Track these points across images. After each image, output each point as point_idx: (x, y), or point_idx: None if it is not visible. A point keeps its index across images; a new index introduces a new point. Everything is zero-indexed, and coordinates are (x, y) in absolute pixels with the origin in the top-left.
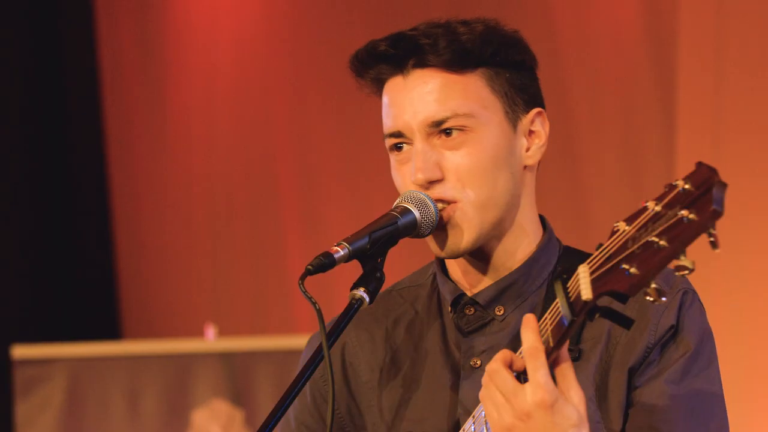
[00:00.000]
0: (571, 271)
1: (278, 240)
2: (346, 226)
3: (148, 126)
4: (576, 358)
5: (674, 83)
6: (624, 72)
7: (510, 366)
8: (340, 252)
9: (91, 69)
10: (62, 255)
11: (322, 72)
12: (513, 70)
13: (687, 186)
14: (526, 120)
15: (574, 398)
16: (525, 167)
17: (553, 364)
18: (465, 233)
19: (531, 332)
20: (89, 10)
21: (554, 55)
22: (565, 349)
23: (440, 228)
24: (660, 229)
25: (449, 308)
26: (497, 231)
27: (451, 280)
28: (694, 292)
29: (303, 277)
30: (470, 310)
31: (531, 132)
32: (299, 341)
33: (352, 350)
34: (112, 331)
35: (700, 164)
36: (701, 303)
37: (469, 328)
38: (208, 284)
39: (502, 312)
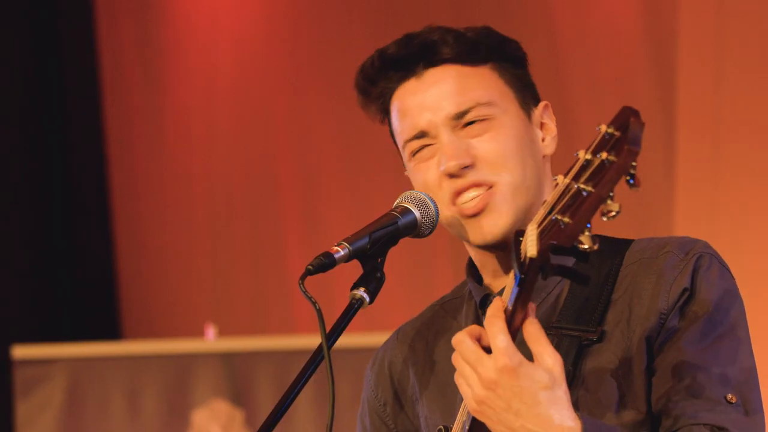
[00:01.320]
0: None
1: (278, 240)
2: (346, 226)
3: (148, 126)
4: (599, 339)
5: (674, 83)
6: (624, 72)
7: (479, 341)
8: (341, 252)
9: (91, 69)
10: (62, 255)
11: (322, 72)
12: (517, 66)
13: (610, 129)
14: (537, 113)
15: (548, 361)
16: (544, 157)
17: (522, 331)
18: (504, 215)
19: (492, 306)
20: (89, 10)
21: (554, 54)
22: (531, 312)
23: (475, 217)
24: (587, 175)
25: (479, 309)
26: (529, 217)
27: (482, 284)
28: (713, 255)
29: (303, 277)
30: None
31: (542, 124)
32: (299, 341)
33: (396, 366)
34: (112, 331)
35: (623, 107)
36: (724, 266)
37: None
38: (208, 284)
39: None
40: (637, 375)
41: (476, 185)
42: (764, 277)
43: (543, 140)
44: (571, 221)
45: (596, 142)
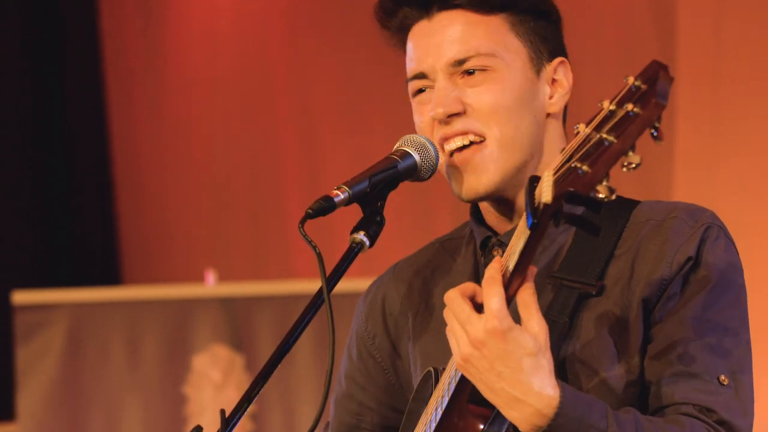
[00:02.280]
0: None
1: (278, 185)
2: (346, 170)
3: (148, 72)
4: (598, 293)
5: (674, 88)
6: (626, 36)
7: (473, 298)
8: (340, 195)
9: (90, 7)
10: (62, 201)
11: (321, 17)
12: (537, 18)
13: (637, 82)
14: (549, 68)
15: (534, 328)
16: (548, 115)
17: (515, 294)
18: (490, 173)
19: (491, 267)
20: None
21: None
22: (530, 276)
23: (460, 170)
24: (610, 125)
25: (480, 251)
26: (520, 176)
27: (484, 225)
28: (721, 227)
29: (303, 221)
30: (498, 252)
31: (554, 81)
32: (299, 286)
33: (391, 301)
34: (112, 277)
35: (652, 61)
36: (730, 239)
37: None
38: (208, 229)
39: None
40: (632, 335)
41: (463, 133)
42: (763, 275)
43: (551, 97)
44: (590, 170)
45: (622, 93)
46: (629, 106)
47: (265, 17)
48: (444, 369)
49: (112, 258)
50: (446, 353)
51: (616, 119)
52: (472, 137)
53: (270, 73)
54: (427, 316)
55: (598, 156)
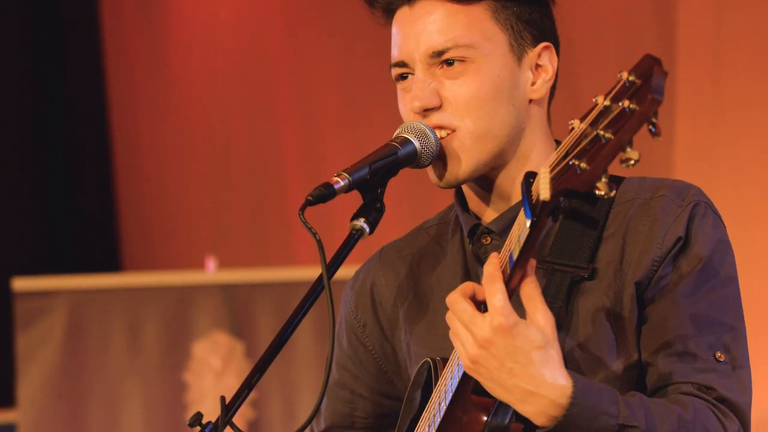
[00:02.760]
0: (536, 174)
1: (278, 172)
2: (346, 157)
3: (148, 58)
4: (590, 276)
5: (674, 80)
6: (626, 28)
7: (473, 297)
8: (341, 182)
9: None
10: (63, 187)
11: (320, 11)
12: (521, 3)
13: (631, 77)
14: (532, 54)
15: (540, 320)
16: (531, 101)
17: (518, 288)
18: (462, 163)
19: (490, 263)
20: None
21: (559, 25)
22: (531, 270)
23: (438, 158)
24: (606, 122)
25: (467, 239)
26: (499, 161)
27: (470, 212)
28: (708, 203)
29: (303, 208)
30: (486, 240)
31: (538, 66)
32: (299, 273)
33: (380, 289)
34: (112, 263)
35: (645, 55)
36: (717, 215)
37: (486, 256)
38: (209, 216)
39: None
40: (627, 319)
41: (439, 128)
42: (762, 279)
43: (533, 84)
44: (588, 167)
45: (616, 88)
46: (625, 102)
47: (265, 12)
48: (442, 359)
49: (112, 245)
50: (441, 340)
51: (612, 115)
52: (446, 132)
53: (270, 65)
54: (418, 304)
55: (595, 153)
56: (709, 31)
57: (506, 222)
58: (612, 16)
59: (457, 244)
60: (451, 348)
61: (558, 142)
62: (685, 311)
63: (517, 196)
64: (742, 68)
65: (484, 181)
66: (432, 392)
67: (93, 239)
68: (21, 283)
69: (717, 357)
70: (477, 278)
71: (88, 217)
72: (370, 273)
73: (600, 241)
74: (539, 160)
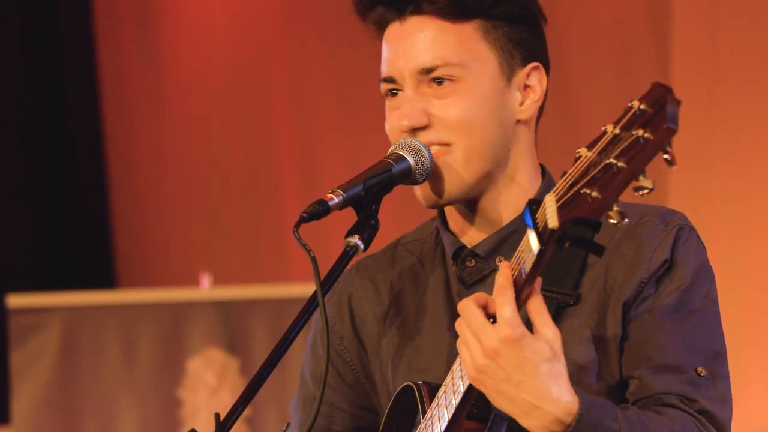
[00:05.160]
0: (540, 201)
1: (273, 188)
2: (342, 173)
3: (144, 73)
4: (575, 302)
5: (671, 76)
6: (622, 43)
7: (485, 308)
8: (335, 199)
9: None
10: (57, 204)
11: (318, 16)
12: (512, 23)
13: (642, 106)
14: (521, 74)
15: (548, 334)
16: (518, 121)
17: (526, 302)
18: (449, 183)
19: (501, 275)
20: None
21: (552, 24)
22: (538, 287)
23: (432, 176)
24: (618, 150)
25: (451, 261)
26: (485, 184)
27: (451, 232)
28: (692, 228)
29: (297, 225)
30: (471, 262)
31: (526, 86)
32: (294, 290)
33: (358, 301)
34: (107, 280)
35: (654, 84)
36: (700, 240)
37: (471, 279)
38: (203, 233)
39: (502, 262)
40: (611, 340)
41: (429, 144)
42: (760, 279)
43: (521, 104)
44: (600, 195)
45: (627, 117)
46: (639, 131)
47: (261, 17)
48: (425, 383)
49: (107, 261)
50: (424, 360)
51: (624, 144)
52: (436, 148)
53: (266, 75)
54: (396, 319)
55: (607, 181)
56: (704, 40)
57: (492, 245)
58: (606, 26)
59: (438, 263)
60: (434, 370)
61: (542, 166)
62: (668, 329)
63: (502, 219)
64: (737, 77)
65: (471, 205)
66: (416, 416)
67: (87, 256)
68: (15, 300)
69: (698, 371)
70: (459, 298)
71: (83, 234)
72: (347, 286)
73: (585, 266)
74: (525, 182)
